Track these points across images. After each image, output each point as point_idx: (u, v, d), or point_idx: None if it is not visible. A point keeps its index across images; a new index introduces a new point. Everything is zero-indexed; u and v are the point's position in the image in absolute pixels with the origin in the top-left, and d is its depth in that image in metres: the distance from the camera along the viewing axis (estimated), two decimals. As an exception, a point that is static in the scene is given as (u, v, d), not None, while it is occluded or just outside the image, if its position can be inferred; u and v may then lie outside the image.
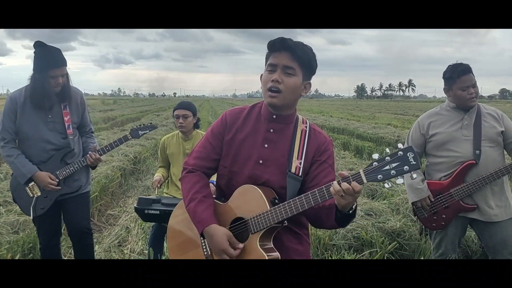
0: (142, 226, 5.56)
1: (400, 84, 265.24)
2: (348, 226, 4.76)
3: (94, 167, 3.85)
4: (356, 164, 9.55)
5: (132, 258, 4.78)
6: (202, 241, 2.29)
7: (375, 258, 4.16)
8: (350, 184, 1.89)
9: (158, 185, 4.15)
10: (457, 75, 3.41)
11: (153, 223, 4.16)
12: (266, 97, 2.19)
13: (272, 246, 2.16)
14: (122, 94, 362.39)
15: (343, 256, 4.13)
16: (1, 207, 5.75)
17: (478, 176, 3.33)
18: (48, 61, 3.43)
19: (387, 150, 1.98)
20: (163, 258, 4.09)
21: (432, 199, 3.48)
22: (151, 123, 4.06)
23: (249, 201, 2.18)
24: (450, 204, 3.43)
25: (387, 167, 1.87)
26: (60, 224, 3.89)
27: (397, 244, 4.46)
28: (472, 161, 3.34)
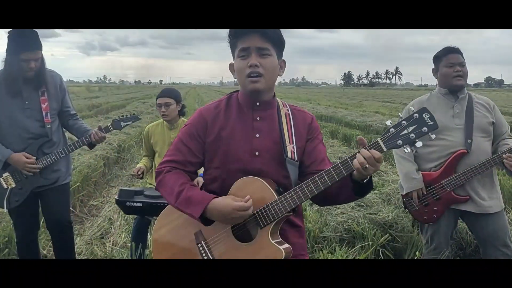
0: (126, 218, 5.37)
1: (387, 72, 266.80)
2: (338, 218, 4.64)
3: (92, 147, 3.65)
4: (345, 152, 9.40)
5: (114, 251, 4.59)
6: (200, 246, 2.07)
7: (367, 251, 4.02)
8: (370, 152, 1.80)
9: (139, 174, 3.95)
10: (444, 54, 3.37)
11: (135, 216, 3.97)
12: (246, 84, 2.06)
13: (281, 239, 2.02)
14: (107, 81, 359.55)
15: (334, 249, 3.99)
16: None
17: (470, 166, 3.22)
18: (20, 43, 3.20)
19: (388, 123, 1.86)
20: (147, 252, 3.92)
21: (425, 192, 3.35)
22: (134, 114, 3.85)
23: (252, 193, 1.99)
24: (442, 196, 3.32)
25: (405, 132, 1.80)
26: (38, 217, 3.68)
27: (390, 237, 4.33)
28: (464, 150, 3.23)
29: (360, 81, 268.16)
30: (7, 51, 3.24)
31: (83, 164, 7.27)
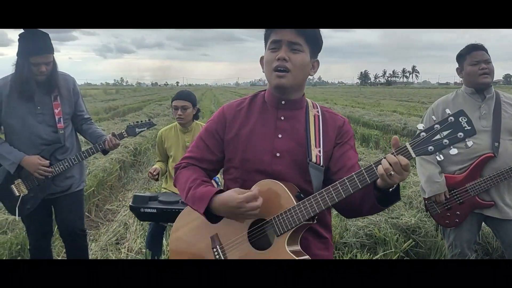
0: (141, 223, 5.27)
1: (403, 71, 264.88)
2: (359, 223, 4.48)
3: (106, 153, 3.55)
4: (363, 153, 9.24)
5: (129, 257, 4.51)
6: (215, 251, 1.97)
7: (390, 258, 3.86)
8: (396, 157, 1.64)
9: (155, 174, 3.85)
10: (468, 51, 3.23)
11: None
12: (272, 78, 1.94)
13: (300, 249, 1.88)
14: (124, 84, 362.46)
15: (355, 256, 3.84)
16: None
17: (496, 170, 3.07)
18: (30, 47, 3.09)
19: (420, 126, 1.66)
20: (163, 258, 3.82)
21: (448, 196, 3.20)
22: (149, 120, 3.74)
23: (270, 198, 1.87)
24: (465, 200, 3.18)
25: (438, 137, 1.62)
26: (51, 224, 3.60)
27: (413, 242, 4.16)
28: (490, 154, 3.07)
29: (377, 80, 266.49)
30: (18, 54, 3.15)
31: (99, 168, 7.21)
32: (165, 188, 4.02)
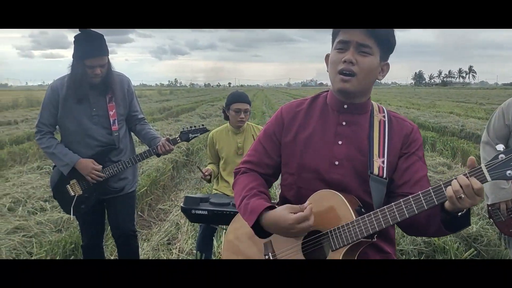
0: (193, 224, 5.27)
1: (460, 71, 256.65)
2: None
3: (159, 156, 3.54)
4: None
5: (180, 258, 4.50)
6: (267, 258, 1.88)
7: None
8: (468, 179, 1.48)
9: (207, 175, 3.82)
10: None
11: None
12: (336, 81, 1.80)
13: None
14: (178, 85, 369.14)
15: (413, 264, 3.67)
16: (47, 203, 5.62)
17: None
18: (85, 49, 3.10)
19: (500, 147, 1.49)
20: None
21: None
22: (202, 125, 3.72)
23: (328, 210, 1.76)
24: None
25: None
26: (103, 224, 3.64)
27: (474, 251, 3.94)
28: None
29: (432, 81, 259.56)
30: (73, 56, 3.16)
31: (152, 168, 7.29)
32: (216, 190, 3.98)
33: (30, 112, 21.00)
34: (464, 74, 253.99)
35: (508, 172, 1.46)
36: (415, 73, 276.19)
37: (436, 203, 1.56)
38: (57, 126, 3.36)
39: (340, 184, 1.82)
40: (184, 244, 4.84)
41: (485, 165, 1.50)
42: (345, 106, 1.87)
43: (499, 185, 2.99)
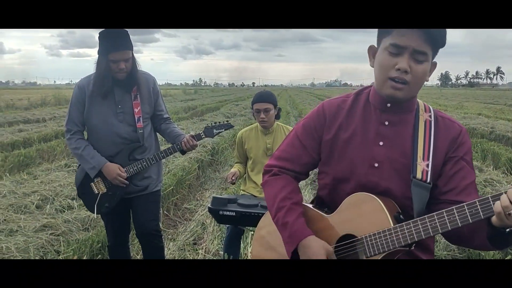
0: (219, 224, 5.23)
1: (487, 72, 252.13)
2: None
3: (184, 153, 3.50)
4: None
5: (206, 259, 4.45)
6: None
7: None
8: None
9: (233, 178, 3.76)
10: None
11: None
12: (385, 87, 1.68)
13: None
14: (203, 84, 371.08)
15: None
16: (74, 201, 5.63)
17: None
18: (109, 44, 3.10)
19: None
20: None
21: None
22: (227, 121, 3.64)
23: (365, 214, 1.68)
24: None
25: None
26: (129, 223, 3.61)
27: (512, 258, 3.79)
28: None
29: (458, 82, 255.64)
30: (98, 52, 3.16)
31: (178, 167, 7.28)
32: (243, 190, 3.92)
33: (58, 110, 21.30)
34: (491, 75, 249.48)
35: None
36: (441, 73, 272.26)
37: (482, 217, 1.45)
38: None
39: (378, 188, 1.73)
40: (210, 245, 4.80)
41: None
42: (388, 105, 1.76)
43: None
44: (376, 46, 1.76)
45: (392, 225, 1.62)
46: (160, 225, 3.73)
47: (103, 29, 3.11)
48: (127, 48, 3.13)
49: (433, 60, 1.72)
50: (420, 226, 1.56)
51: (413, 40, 1.61)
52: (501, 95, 61.64)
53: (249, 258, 4.18)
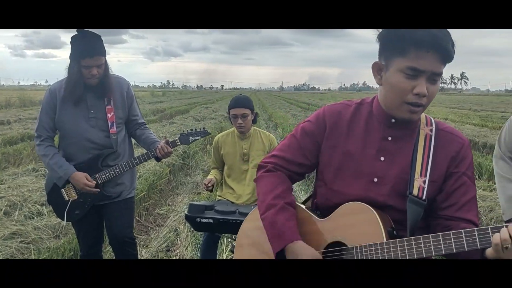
0: (192, 229, 5.17)
1: (452, 77, 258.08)
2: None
3: (159, 160, 3.39)
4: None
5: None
6: None
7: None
8: None
9: (209, 186, 3.71)
10: None
11: (204, 231, 3.73)
12: (400, 110, 1.63)
13: None
14: (171, 86, 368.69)
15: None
16: (44, 207, 5.46)
17: None
18: (81, 49, 3.01)
19: None
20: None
21: None
22: (204, 129, 3.57)
23: (358, 224, 1.65)
24: None
25: None
26: (101, 232, 3.51)
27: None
28: None
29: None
30: (70, 57, 3.09)
31: (149, 172, 7.17)
32: (220, 196, 3.87)
33: (23, 112, 20.77)
34: (456, 80, 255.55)
35: None
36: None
37: (479, 247, 1.43)
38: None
39: (375, 203, 1.68)
40: (184, 251, 4.73)
41: None
42: (393, 121, 1.72)
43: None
44: (382, 63, 1.68)
45: (385, 239, 1.58)
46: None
47: (73, 31, 3.03)
48: (100, 54, 3.06)
49: None
50: (414, 246, 1.53)
51: (431, 62, 1.55)
52: (466, 99, 63.19)
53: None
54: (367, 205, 1.65)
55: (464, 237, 1.45)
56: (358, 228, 1.65)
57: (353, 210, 1.67)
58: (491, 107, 35.66)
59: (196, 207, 3.31)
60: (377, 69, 1.70)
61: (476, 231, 1.44)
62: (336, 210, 1.73)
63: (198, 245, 4.51)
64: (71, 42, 3.07)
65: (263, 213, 1.81)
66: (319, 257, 1.68)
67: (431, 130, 1.74)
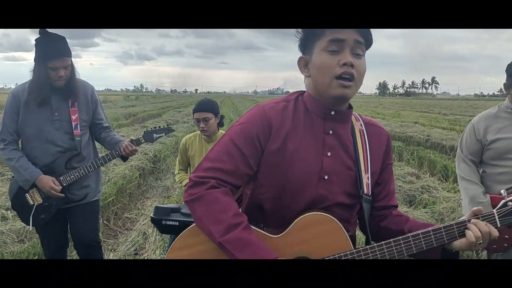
0: (161, 233, 5.13)
1: (423, 82, 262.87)
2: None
3: (125, 159, 3.37)
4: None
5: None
6: None
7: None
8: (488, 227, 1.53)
9: None
10: None
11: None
12: (333, 87, 1.55)
13: None
14: (144, 90, 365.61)
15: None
16: (9, 211, 5.35)
17: None
18: (47, 50, 2.99)
19: (504, 192, 1.61)
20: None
21: None
22: (167, 126, 3.56)
23: (322, 236, 1.57)
24: None
25: None
26: (66, 236, 3.46)
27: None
28: None
29: (396, 91, 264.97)
30: (35, 59, 3.06)
31: (118, 175, 7.10)
32: (187, 199, 3.85)
33: (-10, 116, 20.34)
34: (427, 85, 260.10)
35: None
36: (380, 83, 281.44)
37: (446, 242, 1.54)
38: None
39: (327, 201, 1.64)
40: (152, 255, 4.70)
41: (497, 212, 1.55)
42: (332, 113, 1.65)
43: (477, 199, 2.97)
44: (306, 56, 1.66)
45: (352, 248, 1.57)
46: (100, 235, 3.60)
47: (40, 29, 2.99)
48: (67, 55, 3.05)
49: None
50: (385, 249, 1.54)
51: (350, 32, 1.55)
52: (436, 104, 64.42)
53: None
54: (328, 215, 1.59)
55: (432, 235, 1.54)
56: (322, 240, 1.58)
57: (312, 222, 1.58)
58: (460, 111, 36.48)
59: (162, 210, 3.29)
60: (303, 64, 1.68)
61: (443, 229, 1.54)
62: (292, 225, 1.60)
63: (166, 249, 4.47)
64: (35, 45, 3.04)
65: (223, 234, 1.53)
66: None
67: (361, 125, 1.73)
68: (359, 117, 1.76)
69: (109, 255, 4.66)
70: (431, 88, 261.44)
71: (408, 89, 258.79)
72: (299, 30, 1.66)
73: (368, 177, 1.66)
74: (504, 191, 1.57)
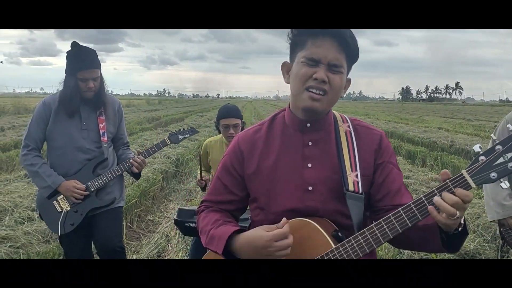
0: (183, 236, 5.17)
1: (447, 87, 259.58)
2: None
3: (138, 175, 3.46)
4: (411, 171, 8.91)
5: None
6: None
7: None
8: (456, 195, 1.34)
9: (202, 182, 3.71)
10: None
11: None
12: (303, 98, 1.61)
13: None
14: (167, 95, 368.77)
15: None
16: (35, 212, 5.46)
17: None
18: (78, 62, 3.10)
19: (477, 148, 1.38)
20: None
21: None
22: (191, 127, 3.61)
23: (302, 240, 1.58)
24: None
25: (501, 160, 1.33)
26: (90, 249, 3.50)
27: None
28: None
29: (419, 96, 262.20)
30: (66, 71, 3.17)
31: (142, 178, 7.16)
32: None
33: (17, 119, 20.76)
34: (450, 90, 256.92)
35: (492, 174, 1.34)
36: (403, 88, 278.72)
37: (421, 219, 1.43)
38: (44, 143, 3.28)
39: (317, 211, 1.66)
40: (174, 257, 4.74)
41: (467, 171, 1.36)
42: (308, 125, 1.70)
43: (501, 201, 2.93)
44: (289, 62, 1.71)
45: (333, 245, 1.55)
46: (123, 239, 3.65)
47: (69, 45, 3.12)
48: (96, 67, 3.15)
49: (348, 77, 1.69)
50: (361, 241, 1.52)
51: (329, 50, 1.57)
52: (460, 109, 63.50)
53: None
54: (304, 219, 1.61)
55: (403, 214, 1.45)
56: (303, 244, 1.59)
57: (292, 229, 1.56)
58: (485, 116, 35.91)
59: (185, 212, 3.34)
60: (286, 69, 1.72)
61: (411, 205, 1.44)
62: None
63: (188, 253, 4.51)
64: (66, 57, 3.15)
65: (204, 240, 1.72)
66: (270, 234, 1.52)
67: (348, 127, 1.74)
68: (347, 120, 1.78)
69: (132, 257, 4.72)
70: (455, 94, 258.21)
71: (431, 95, 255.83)
72: (290, 35, 1.68)
73: (356, 175, 1.65)
74: (478, 146, 1.38)
